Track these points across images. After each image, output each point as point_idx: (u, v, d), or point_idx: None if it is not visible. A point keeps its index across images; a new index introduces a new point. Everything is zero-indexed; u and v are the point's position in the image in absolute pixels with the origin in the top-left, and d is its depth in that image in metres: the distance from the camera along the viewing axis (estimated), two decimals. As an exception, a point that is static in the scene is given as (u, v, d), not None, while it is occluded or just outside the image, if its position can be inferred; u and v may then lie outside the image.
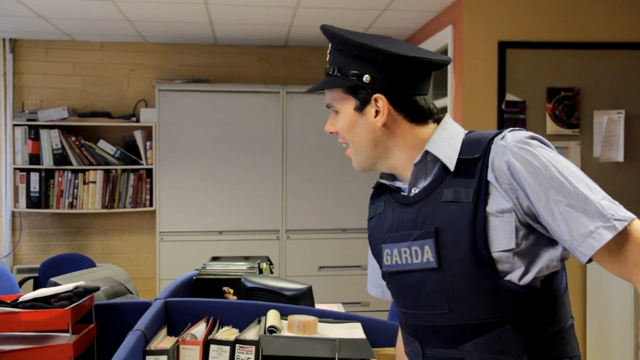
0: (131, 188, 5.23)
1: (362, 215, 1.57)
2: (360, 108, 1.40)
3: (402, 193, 1.44)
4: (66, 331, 1.84)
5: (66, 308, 1.83)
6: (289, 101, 5.16)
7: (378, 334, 2.07)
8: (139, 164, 5.23)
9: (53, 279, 2.33)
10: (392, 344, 1.96)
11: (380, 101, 1.38)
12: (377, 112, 1.39)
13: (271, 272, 2.94)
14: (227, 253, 3.60)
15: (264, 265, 2.86)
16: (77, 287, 1.99)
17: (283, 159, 5.17)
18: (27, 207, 5.12)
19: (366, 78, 1.37)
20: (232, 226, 5.13)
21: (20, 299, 1.90)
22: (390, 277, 1.44)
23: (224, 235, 5.12)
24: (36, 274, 4.77)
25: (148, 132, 5.26)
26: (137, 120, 5.29)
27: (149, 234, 5.41)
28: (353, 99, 1.41)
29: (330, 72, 1.42)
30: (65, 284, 2.03)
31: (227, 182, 5.12)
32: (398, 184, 1.46)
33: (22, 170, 5.12)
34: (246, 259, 2.95)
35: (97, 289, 2.07)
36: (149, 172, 5.25)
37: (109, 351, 1.74)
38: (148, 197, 5.26)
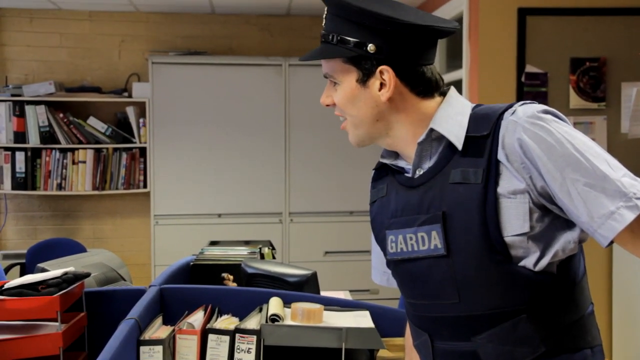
0: (123, 168, 5.24)
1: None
2: (364, 80, 1.36)
3: (406, 174, 1.42)
4: (55, 320, 1.86)
5: (54, 295, 1.85)
6: (291, 74, 5.15)
7: (387, 323, 2.08)
8: (132, 142, 5.24)
9: (41, 265, 2.35)
10: (402, 333, 1.98)
11: (387, 74, 1.34)
12: (381, 85, 1.35)
13: (273, 258, 2.96)
14: (226, 237, 3.61)
15: (266, 250, 2.88)
16: (66, 273, 2.01)
17: (286, 136, 5.17)
18: (13, 188, 5.13)
19: (370, 48, 1.33)
20: (231, 209, 5.15)
21: (6, 286, 1.92)
22: (396, 265, 1.43)
23: (223, 219, 5.14)
24: (23, 260, 4.79)
25: (141, 108, 5.27)
26: (129, 96, 5.28)
27: (143, 217, 5.42)
28: (355, 69, 1.36)
29: (328, 39, 1.38)
30: (53, 270, 2.05)
31: (226, 162, 5.13)
32: (401, 163, 1.44)
33: (6, 149, 5.13)
34: (247, 243, 2.96)
35: (87, 275, 2.09)
36: (143, 151, 5.26)
37: (101, 341, 1.76)
38: (142, 177, 5.28)
